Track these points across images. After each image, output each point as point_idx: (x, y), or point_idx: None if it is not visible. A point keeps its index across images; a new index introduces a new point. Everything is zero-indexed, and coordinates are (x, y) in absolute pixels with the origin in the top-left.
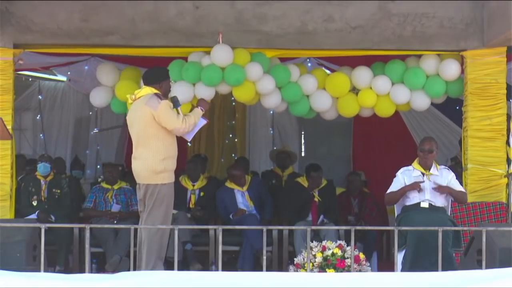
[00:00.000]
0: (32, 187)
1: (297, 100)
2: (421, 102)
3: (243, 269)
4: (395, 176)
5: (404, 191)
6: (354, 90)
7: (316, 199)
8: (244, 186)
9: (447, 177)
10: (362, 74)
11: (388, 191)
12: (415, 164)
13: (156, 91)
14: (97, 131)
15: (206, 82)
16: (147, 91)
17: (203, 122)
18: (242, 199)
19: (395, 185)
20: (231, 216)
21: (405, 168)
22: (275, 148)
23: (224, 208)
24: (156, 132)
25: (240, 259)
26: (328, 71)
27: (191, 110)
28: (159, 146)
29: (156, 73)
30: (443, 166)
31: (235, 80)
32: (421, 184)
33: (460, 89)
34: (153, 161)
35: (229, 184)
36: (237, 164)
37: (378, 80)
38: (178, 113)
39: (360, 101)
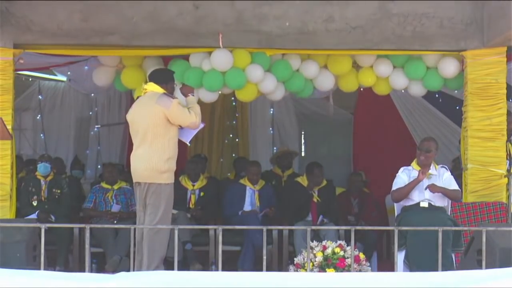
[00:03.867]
0: (32, 187)
1: (301, 89)
2: (418, 90)
3: (243, 268)
4: (395, 176)
5: (413, 185)
6: (355, 65)
7: (315, 199)
8: (256, 185)
9: (442, 176)
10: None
11: (394, 188)
12: (414, 164)
13: (163, 90)
14: (98, 127)
15: (207, 87)
16: (154, 88)
17: (200, 125)
18: (251, 198)
19: (399, 183)
20: (240, 213)
21: (404, 167)
22: (275, 148)
23: (230, 203)
24: (163, 132)
25: (241, 258)
26: None
27: None
28: (165, 146)
29: (163, 74)
30: (441, 165)
31: (236, 85)
32: (420, 183)
33: (459, 83)
34: (158, 160)
35: (243, 181)
36: (254, 161)
37: (380, 64)
38: None
39: (360, 79)
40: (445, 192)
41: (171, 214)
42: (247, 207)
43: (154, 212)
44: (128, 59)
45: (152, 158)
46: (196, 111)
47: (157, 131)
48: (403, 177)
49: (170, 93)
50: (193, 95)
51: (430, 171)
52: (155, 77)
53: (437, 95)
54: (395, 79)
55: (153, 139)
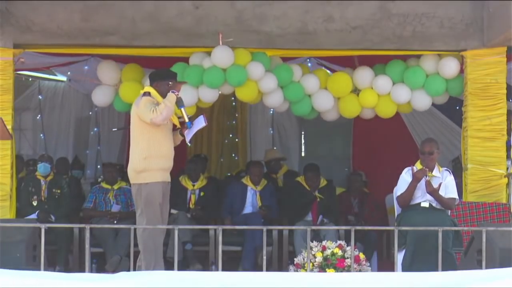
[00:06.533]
0: (32, 187)
1: (299, 100)
2: (422, 101)
3: (244, 268)
4: (395, 176)
5: (413, 186)
6: (356, 91)
7: (318, 199)
8: (258, 186)
9: (445, 179)
10: (363, 75)
11: (398, 193)
12: (418, 165)
13: (149, 90)
14: (115, 130)
15: (208, 84)
16: (142, 90)
17: (202, 124)
18: (252, 198)
19: (402, 186)
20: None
21: (408, 168)
22: (275, 148)
23: (230, 202)
24: (142, 131)
25: (242, 258)
26: (329, 72)
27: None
28: (143, 145)
29: (154, 74)
30: (445, 168)
31: (237, 81)
32: (424, 185)
33: (460, 87)
34: (135, 161)
35: (245, 181)
36: (257, 161)
37: (379, 80)
38: (181, 113)
39: (361, 101)
40: (438, 198)
41: (158, 212)
42: (248, 207)
43: (140, 214)
44: (127, 73)
45: (132, 159)
46: (159, 107)
47: (135, 131)
48: (406, 178)
49: (161, 92)
50: (174, 93)
51: (433, 173)
52: (149, 78)
53: (440, 100)
54: (397, 93)
55: (134, 139)
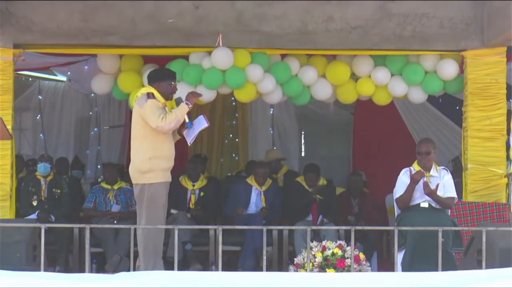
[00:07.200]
0: (32, 187)
1: (298, 94)
2: (418, 96)
3: (243, 268)
4: (395, 176)
5: (411, 188)
6: (354, 76)
7: (317, 199)
8: (263, 186)
9: (442, 179)
10: (363, 62)
11: (396, 195)
12: (415, 165)
13: (151, 90)
14: (106, 127)
15: (207, 85)
16: (143, 90)
17: (204, 124)
18: (256, 198)
19: (400, 187)
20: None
21: (406, 169)
22: (275, 148)
23: (233, 201)
24: (144, 132)
25: (241, 259)
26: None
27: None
28: (147, 146)
29: (154, 73)
30: (442, 167)
31: (236, 84)
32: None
33: (458, 86)
34: (139, 161)
35: (250, 180)
36: (262, 162)
37: (378, 72)
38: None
39: (359, 89)
40: (437, 198)
41: (161, 213)
42: (251, 207)
43: (140, 214)
44: (126, 63)
45: (136, 159)
46: (169, 117)
47: (137, 132)
48: (404, 179)
49: (164, 92)
50: (187, 104)
51: (431, 173)
52: (148, 78)
53: (437, 95)
54: (394, 86)
55: (136, 139)
